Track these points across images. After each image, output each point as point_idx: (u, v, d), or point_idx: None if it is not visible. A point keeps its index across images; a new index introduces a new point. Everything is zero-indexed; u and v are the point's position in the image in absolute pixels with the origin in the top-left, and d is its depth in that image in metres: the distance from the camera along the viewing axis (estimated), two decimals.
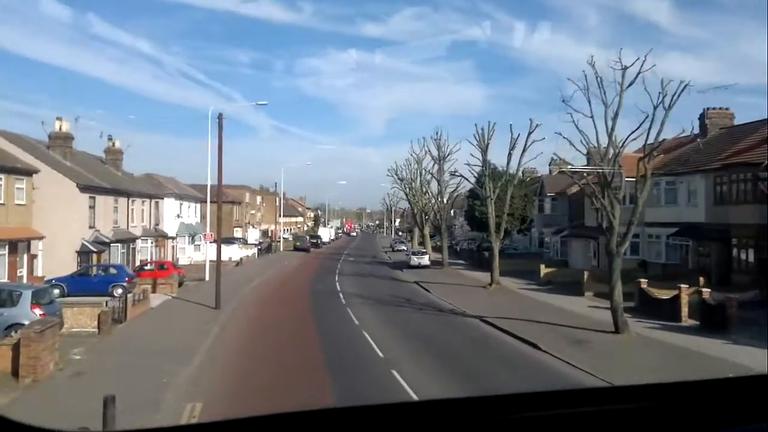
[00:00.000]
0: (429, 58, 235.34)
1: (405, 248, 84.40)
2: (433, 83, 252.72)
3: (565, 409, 1.59)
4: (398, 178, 76.66)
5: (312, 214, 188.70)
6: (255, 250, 62.65)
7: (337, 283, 41.94)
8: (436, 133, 59.30)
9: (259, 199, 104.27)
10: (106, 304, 24.39)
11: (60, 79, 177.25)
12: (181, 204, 57.23)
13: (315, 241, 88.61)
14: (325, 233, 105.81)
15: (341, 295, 34.64)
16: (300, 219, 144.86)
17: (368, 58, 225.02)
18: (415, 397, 13.91)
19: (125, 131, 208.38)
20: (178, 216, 55.82)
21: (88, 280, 32.00)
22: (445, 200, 57.35)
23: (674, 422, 1.56)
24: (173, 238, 54.11)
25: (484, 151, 40.76)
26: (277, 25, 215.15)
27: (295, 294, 36.55)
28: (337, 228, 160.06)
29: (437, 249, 69.47)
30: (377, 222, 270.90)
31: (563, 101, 23.47)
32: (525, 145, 37.39)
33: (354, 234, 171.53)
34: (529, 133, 37.06)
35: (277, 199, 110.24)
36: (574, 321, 25.31)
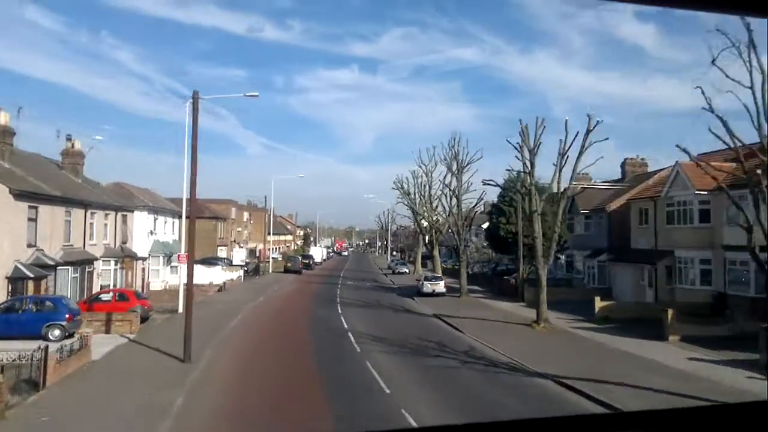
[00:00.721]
0: (417, 78, 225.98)
1: (406, 270, 76.37)
2: (420, 103, 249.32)
3: None
4: (404, 192, 69.17)
5: (301, 233, 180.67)
6: (241, 272, 54.58)
7: (342, 318, 34.06)
8: (453, 139, 51.80)
9: (246, 215, 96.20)
10: (20, 358, 16.55)
11: (47, 92, 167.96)
12: (155, 218, 49.05)
13: (307, 261, 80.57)
14: (317, 253, 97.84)
15: (351, 337, 26.72)
16: (289, 237, 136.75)
17: (357, 77, 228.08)
18: None
19: (106, 146, 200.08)
20: (152, 233, 47.63)
21: (14, 318, 23.88)
22: (462, 217, 49.54)
23: None
24: (144, 259, 45.89)
25: (533, 153, 32.96)
26: (266, 43, 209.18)
27: (290, 336, 28.55)
28: (328, 247, 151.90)
29: (445, 272, 62.23)
30: (367, 241, 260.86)
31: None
32: (582, 147, 29.85)
33: (345, 254, 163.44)
34: (588, 132, 29.59)
35: (266, 215, 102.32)
36: (696, 387, 17.53)
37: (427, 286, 47.22)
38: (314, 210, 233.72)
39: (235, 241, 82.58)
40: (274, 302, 40.80)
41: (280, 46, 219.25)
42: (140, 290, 39.32)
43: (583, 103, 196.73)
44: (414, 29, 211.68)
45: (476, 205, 52.16)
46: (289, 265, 69.09)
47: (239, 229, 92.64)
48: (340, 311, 37.15)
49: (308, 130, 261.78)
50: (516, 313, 36.97)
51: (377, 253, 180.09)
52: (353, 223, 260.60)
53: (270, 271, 70.13)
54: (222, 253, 68.70)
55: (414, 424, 14.06)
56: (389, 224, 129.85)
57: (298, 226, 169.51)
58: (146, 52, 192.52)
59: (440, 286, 47.28)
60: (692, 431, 1.60)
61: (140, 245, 45.16)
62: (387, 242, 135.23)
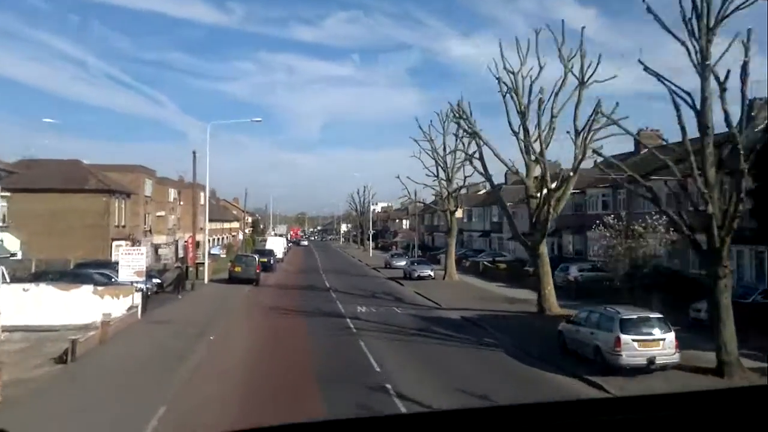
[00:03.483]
0: (362, 63, 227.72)
1: (430, 273, 48.79)
2: (367, 88, 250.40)
3: (568, 420, 1.53)
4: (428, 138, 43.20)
5: (250, 219, 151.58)
6: (137, 297, 25.97)
7: None
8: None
9: (172, 193, 67.62)
10: None
11: None
12: None
13: (265, 260, 52.99)
14: (277, 245, 69.96)
15: None
16: (235, 224, 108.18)
17: (301, 62, 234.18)
18: None
19: (45, 135, 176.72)
20: None
21: None
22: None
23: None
24: None
25: None
26: (206, 26, 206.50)
27: None
28: (282, 235, 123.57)
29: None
30: (319, 228, 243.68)
31: None
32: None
33: (305, 243, 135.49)
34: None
35: (194, 190, 73.89)
36: None
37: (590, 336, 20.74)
38: (261, 199, 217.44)
39: (149, 230, 54.24)
40: None
41: (220, 29, 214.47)
42: None
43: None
44: (358, 12, 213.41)
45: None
46: (238, 269, 41.39)
47: (160, 213, 64.09)
48: None
49: (252, 116, 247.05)
50: None
51: (342, 242, 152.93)
52: (303, 211, 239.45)
53: (206, 279, 42.40)
54: (122, 252, 40.46)
55: None
56: (367, 205, 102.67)
57: (246, 212, 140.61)
58: (78, 34, 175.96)
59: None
60: (693, 415, 1.54)
61: None
62: (362, 228, 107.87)
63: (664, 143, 22.06)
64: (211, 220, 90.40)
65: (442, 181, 45.45)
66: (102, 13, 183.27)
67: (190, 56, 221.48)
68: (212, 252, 63.52)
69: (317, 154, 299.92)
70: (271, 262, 54.79)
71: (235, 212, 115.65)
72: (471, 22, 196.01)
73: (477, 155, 30.41)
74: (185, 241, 37.72)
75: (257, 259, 42.73)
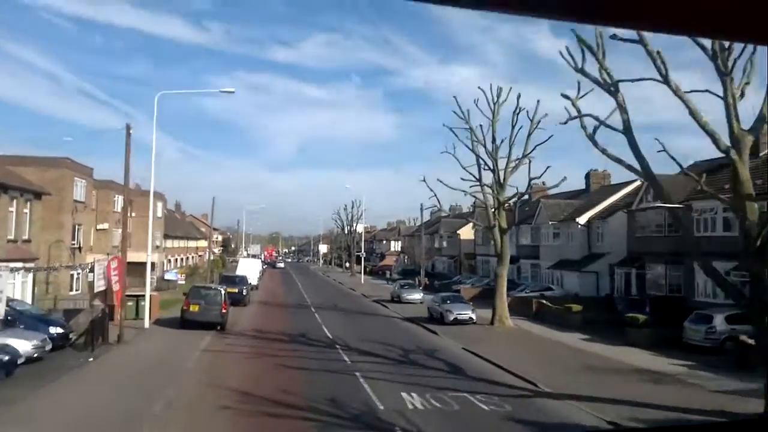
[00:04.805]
0: (339, 85, 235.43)
1: (458, 309, 34.98)
2: (343, 110, 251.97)
3: None
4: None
5: (220, 238, 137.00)
6: None
7: None
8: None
9: (118, 200, 53.48)
10: None
11: None
12: None
13: (235, 290, 39.18)
14: (251, 268, 55.74)
15: None
16: (203, 243, 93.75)
17: (278, 83, 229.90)
18: None
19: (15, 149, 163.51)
20: None
21: None
22: None
23: None
24: None
25: None
26: (184, 45, 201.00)
27: None
28: (256, 256, 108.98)
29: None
30: (294, 249, 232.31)
31: None
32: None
33: (281, 265, 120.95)
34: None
35: (159, 204, 59.81)
36: None
37: None
38: (233, 218, 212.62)
39: (80, 248, 40.13)
40: None
41: (198, 48, 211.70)
42: None
43: (502, 115, 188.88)
44: (337, 36, 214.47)
45: None
46: (194, 308, 27.56)
47: (103, 225, 49.94)
48: None
49: (227, 135, 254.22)
50: None
51: (321, 264, 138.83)
52: (277, 231, 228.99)
53: (147, 320, 28.52)
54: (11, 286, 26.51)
55: None
56: (354, 223, 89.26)
57: (216, 229, 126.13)
58: (55, 50, 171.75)
59: None
60: None
61: None
62: (349, 250, 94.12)
63: None
64: (172, 237, 76.09)
65: (485, 187, 32.40)
66: (78, 28, 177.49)
67: (166, 73, 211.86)
68: (167, 277, 49.39)
69: (293, 173, 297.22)
70: (244, 292, 40.92)
71: (203, 229, 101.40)
72: (449, 49, 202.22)
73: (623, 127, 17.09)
74: (107, 263, 23.81)
75: (223, 293, 28.88)
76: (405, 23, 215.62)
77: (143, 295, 29.26)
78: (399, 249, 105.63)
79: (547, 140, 29.51)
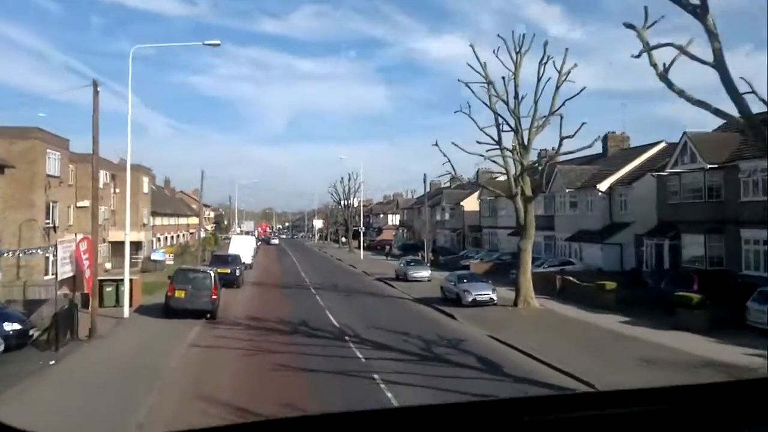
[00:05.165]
0: (330, 57, 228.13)
1: (477, 289, 31.20)
2: (334, 82, 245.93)
3: (558, 414, 1.49)
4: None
5: (212, 214, 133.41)
6: None
7: None
8: None
9: (103, 177, 49.67)
10: None
11: None
12: None
13: (227, 270, 35.76)
14: (245, 246, 52.17)
15: None
16: (194, 220, 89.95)
17: (268, 56, 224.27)
18: None
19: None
20: None
21: None
22: None
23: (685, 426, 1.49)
24: None
25: None
26: (171, 18, 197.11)
27: None
28: (249, 232, 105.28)
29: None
30: (287, 224, 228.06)
31: None
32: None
33: (275, 241, 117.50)
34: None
35: (145, 179, 56.33)
36: None
37: None
38: (225, 194, 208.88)
39: (55, 228, 36.41)
40: None
41: (186, 21, 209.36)
42: None
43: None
44: (326, 6, 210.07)
45: None
46: (180, 294, 24.12)
47: (83, 203, 46.19)
48: None
49: (217, 110, 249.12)
50: None
51: (317, 240, 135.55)
52: (270, 207, 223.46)
53: (126, 309, 25.03)
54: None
55: None
56: (351, 196, 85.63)
57: (207, 205, 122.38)
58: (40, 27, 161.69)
59: None
60: (691, 408, 1.49)
61: None
62: (346, 225, 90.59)
63: None
64: (160, 214, 72.26)
65: (504, 151, 28.74)
66: (65, 4, 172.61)
67: (154, 48, 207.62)
68: (153, 258, 45.82)
69: (284, 148, 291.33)
70: (237, 272, 37.45)
71: (195, 206, 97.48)
72: (439, 18, 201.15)
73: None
74: (76, 245, 20.20)
75: (213, 275, 25.32)
76: None
77: (118, 280, 25.72)
78: (397, 223, 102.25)
79: (579, 93, 25.80)
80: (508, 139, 28.82)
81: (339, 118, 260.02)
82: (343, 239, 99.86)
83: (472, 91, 28.26)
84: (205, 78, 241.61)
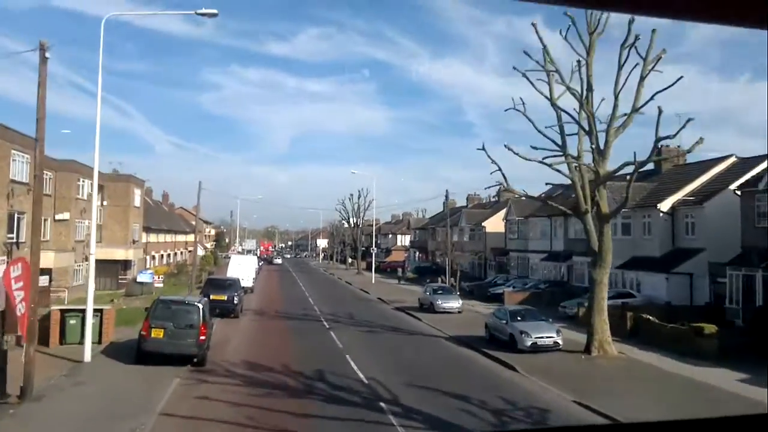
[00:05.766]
0: (333, 79, 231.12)
1: (537, 331, 24.96)
2: (337, 103, 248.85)
3: None
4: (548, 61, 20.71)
5: (212, 232, 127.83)
6: None
7: None
8: None
9: (84, 185, 43.92)
10: None
11: None
12: None
13: (223, 297, 29.96)
14: (245, 267, 46.13)
15: None
16: (192, 237, 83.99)
17: (273, 76, 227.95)
18: None
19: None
20: None
21: None
22: None
23: None
24: None
25: None
26: (177, 37, 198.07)
27: None
28: (250, 251, 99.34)
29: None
30: (290, 243, 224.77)
31: None
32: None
33: (278, 261, 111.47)
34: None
35: (137, 191, 50.79)
36: None
37: None
38: (228, 212, 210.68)
39: (16, 244, 30.57)
40: None
41: (192, 40, 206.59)
42: None
43: (495, 110, 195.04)
44: (331, 29, 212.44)
45: None
46: (157, 334, 18.36)
47: (62, 215, 40.50)
48: None
49: (222, 129, 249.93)
50: None
51: (321, 260, 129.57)
52: (273, 224, 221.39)
53: (89, 350, 19.20)
54: None
55: None
56: (361, 213, 79.83)
57: (208, 222, 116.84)
58: (53, 45, 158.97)
59: None
60: None
61: None
62: (355, 244, 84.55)
63: None
64: (155, 230, 66.46)
65: (570, 157, 22.92)
66: (69, 21, 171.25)
67: (159, 66, 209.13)
68: (139, 279, 39.94)
69: (287, 167, 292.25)
70: (235, 300, 31.49)
71: (194, 222, 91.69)
72: (442, 43, 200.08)
73: None
74: (5, 271, 14.62)
75: (201, 307, 19.39)
76: (397, 15, 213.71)
77: (79, 310, 19.90)
78: (407, 243, 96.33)
79: (675, 83, 19.97)
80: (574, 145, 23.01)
81: (341, 139, 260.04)
82: (350, 260, 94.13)
83: (530, 82, 22.45)
84: (210, 96, 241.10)
